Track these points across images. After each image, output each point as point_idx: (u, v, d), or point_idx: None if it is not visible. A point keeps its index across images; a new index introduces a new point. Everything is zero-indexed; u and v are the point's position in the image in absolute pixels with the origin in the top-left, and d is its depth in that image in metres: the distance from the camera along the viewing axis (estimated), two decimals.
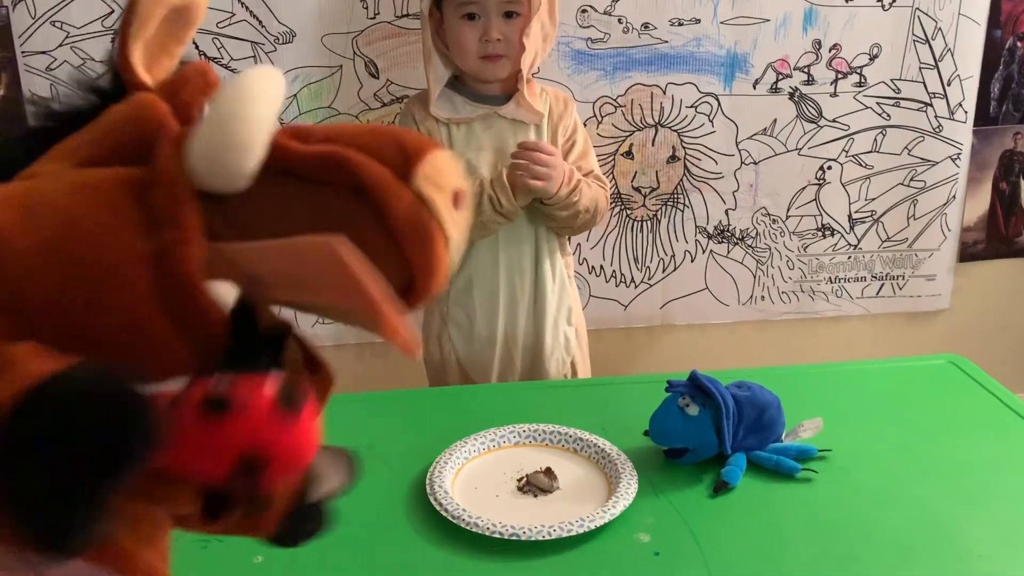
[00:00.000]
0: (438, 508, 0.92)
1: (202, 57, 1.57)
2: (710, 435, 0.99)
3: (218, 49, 1.57)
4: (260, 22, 1.57)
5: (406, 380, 1.57)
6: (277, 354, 0.48)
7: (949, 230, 1.86)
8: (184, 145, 0.45)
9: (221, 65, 1.57)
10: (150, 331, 0.44)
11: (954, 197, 1.84)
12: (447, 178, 0.48)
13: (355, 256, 0.44)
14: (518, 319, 1.41)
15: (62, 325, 0.42)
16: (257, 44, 1.58)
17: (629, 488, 0.94)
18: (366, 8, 1.58)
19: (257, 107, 0.45)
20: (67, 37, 1.54)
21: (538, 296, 1.41)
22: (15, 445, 0.38)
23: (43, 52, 1.55)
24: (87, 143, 0.49)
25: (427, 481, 0.96)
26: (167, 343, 0.44)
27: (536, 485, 0.97)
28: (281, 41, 1.58)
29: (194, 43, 1.54)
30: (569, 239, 1.50)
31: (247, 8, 1.55)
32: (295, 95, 1.61)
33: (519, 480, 0.98)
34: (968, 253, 1.89)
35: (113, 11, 1.53)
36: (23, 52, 1.55)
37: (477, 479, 1.00)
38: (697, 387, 1.00)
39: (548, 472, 0.99)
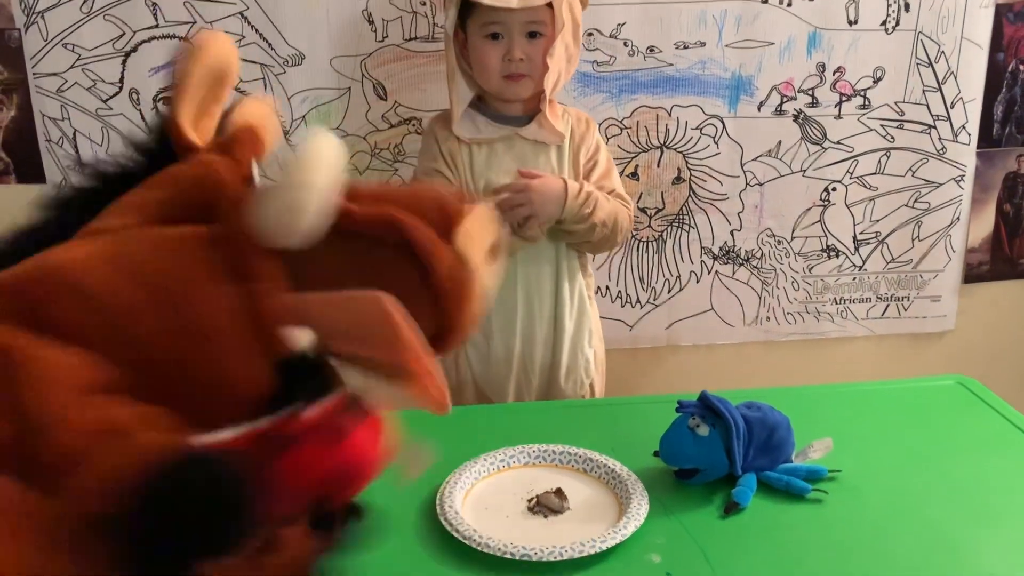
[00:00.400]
0: (448, 528, 0.92)
1: None
2: (721, 455, 0.99)
3: None
4: (270, 45, 1.58)
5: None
6: (324, 383, 0.54)
7: (954, 251, 1.87)
8: (252, 205, 0.51)
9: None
10: (233, 371, 0.48)
11: (958, 218, 1.84)
12: (483, 234, 0.54)
13: (400, 311, 0.49)
14: (536, 339, 1.41)
15: (159, 368, 0.46)
16: (267, 66, 1.59)
17: (640, 509, 0.94)
18: (375, 31, 1.60)
19: (323, 176, 0.51)
20: (78, 59, 1.56)
21: (557, 316, 1.41)
22: (134, 516, 0.42)
23: (54, 74, 1.56)
24: (155, 201, 0.53)
25: (437, 501, 0.96)
26: (246, 380, 0.49)
27: (546, 505, 0.97)
28: (291, 63, 1.59)
29: None
30: (593, 258, 1.50)
31: (257, 31, 1.57)
32: (303, 116, 1.62)
33: (529, 500, 0.98)
34: (973, 274, 1.90)
35: (124, 33, 1.55)
36: (34, 73, 1.56)
37: (487, 499, 1.00)
38: (707, 407, 1.00)
39: (558, 492, 0.99)
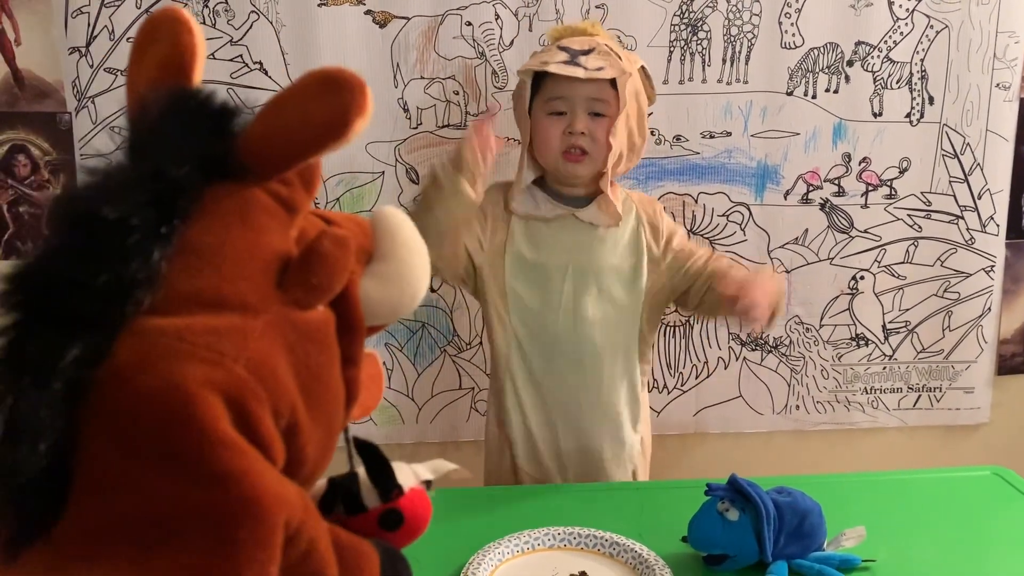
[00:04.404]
0: None
1: None
2: (750, 541, 0.97)
3: None
4: None
5: (439, 481, 1.55)
6: (386, 464, 0.71)
7: (986, 342, 1.84)
8: (365, 294, 0.60)
9: None
10: (337, 426, 0.60)
11: (989, 309, 1.83)
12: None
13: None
14: (586, 423, 1.39)
15: (304, 415, 0.55)
16: None
17: None
18: (409, 119, 1.65)
19: (423, 270, 0.63)
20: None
21: (612, 401, 1.40)
22: None
23: (99, 155, 1.62)
24: (277, 260, 0.58)
25: None
26: (340, 427, 0.61)
27: None
28: None
29: None
30: (655, 346, 1.50)
31: None
32: (338, 199, 1.66)
33: None
34: (1007, 366, 1.87)
35: None
36: (82, 155, 1.62)
37: None
38: (737, 491, 0.98)
39: None
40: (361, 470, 0.70)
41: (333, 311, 0.57)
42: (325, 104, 0.52)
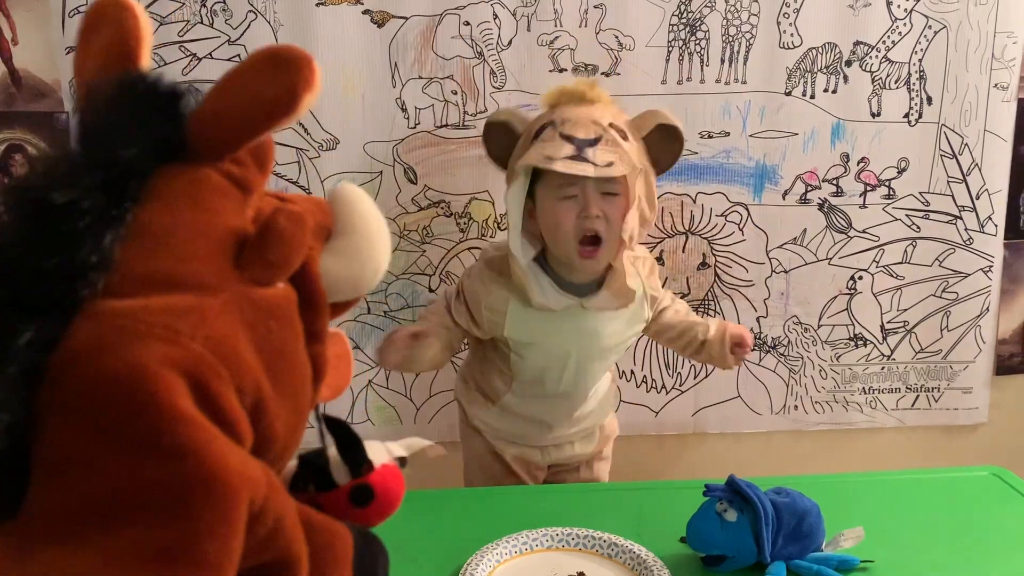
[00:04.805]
0: None
1: None
2: (749, 542, 0.97)
3: None
4: (306, 130, 1.63)
5: (432, 481, 1.56)
6: (356, 440, 0.71)
7: (984, 342, 1.84)
8: (326, 269, 0.60)
9: None
10: (305, 403, 0.60)
11: (987, 309, 1.83)
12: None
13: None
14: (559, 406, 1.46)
15: (270, 392, 0.55)
16: (302, 151, 1.64)
17: None
18: (407, 119, 1.64)
19: (385, 247, 0.63)
20: None
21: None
22: None
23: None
24: (233, 237, 0.58)
25: None
26: (308, 404, 0.61)
27: None
28: (325, 148, 1.64)
29: None
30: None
31: None
32: None
33: None
34: (1005, 366, 1.87)
35: None
36: None
37: None
38: (735, 492, 0.98)
39: None
40: (332, 448, 0.71)
41: (294, 288, 0.57)
42: (273, 80, 0.53)
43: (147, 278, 0.51)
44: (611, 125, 1.25)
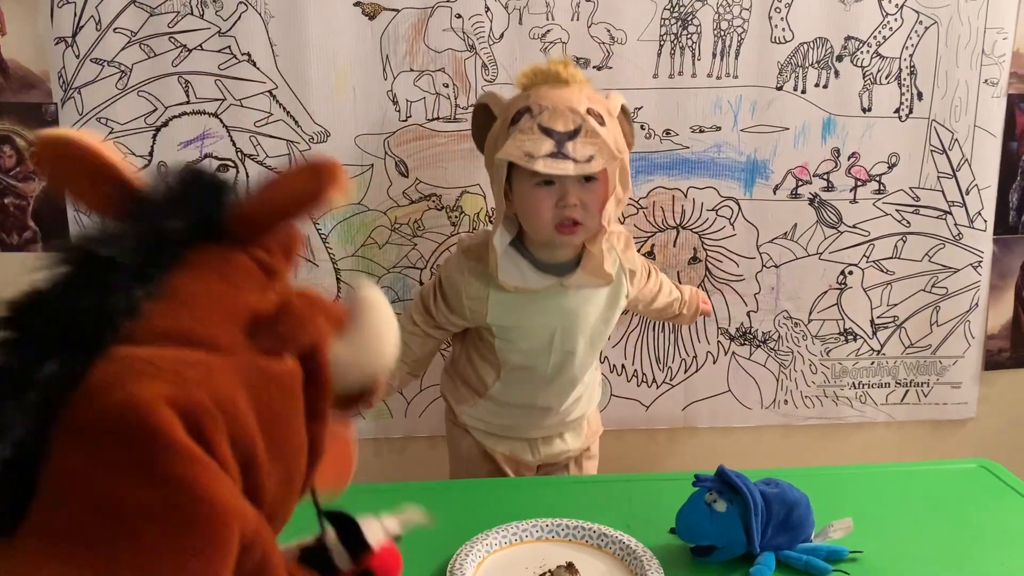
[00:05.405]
0: None
1: (239, 154, 1.63)
2: (738, 532, 0.97)
3: (255, 147, 1.63)
4: (296, 122, 1.63)
5: (422, 474, 1.56)
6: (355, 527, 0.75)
7: (973, 337, 1.85)
8: (334, 361, 0.62)
9: (256, 162, 1.63)
10: (297, 476, 0.62)
11: (976, 304, 1.84)
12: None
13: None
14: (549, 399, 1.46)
15: (263, 452, 0.57)
16: (293, 143, 1.63)
17: None
18: (398, 111, 1.64)
19: (392, 346, 0.66)
20: (111, 133, 1.61)
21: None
22: None
23: None
24: (249, 312, 0.61)
25: (448, 574, 0.94)
26: (301, 478, 0.63)
27: None
28: (315, 140, 1.63)
29: (231, 140, 1.60)
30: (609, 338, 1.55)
31: (285, 109, 1.62)
32: None
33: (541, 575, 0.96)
34: (994, 361, 1.88)
35: (156, 109, 1.60)
36: None
37: (498, 573, 0.98)
38: (725, 482, 0.98)
39: (570, 568, 0.97)
40: (331, 532, 0.75)
41: (303, 368, 0.61)
42: (305, 177, 0.60)
43: (166, 333, 0.56)
44: (589, 111, 1.24)
